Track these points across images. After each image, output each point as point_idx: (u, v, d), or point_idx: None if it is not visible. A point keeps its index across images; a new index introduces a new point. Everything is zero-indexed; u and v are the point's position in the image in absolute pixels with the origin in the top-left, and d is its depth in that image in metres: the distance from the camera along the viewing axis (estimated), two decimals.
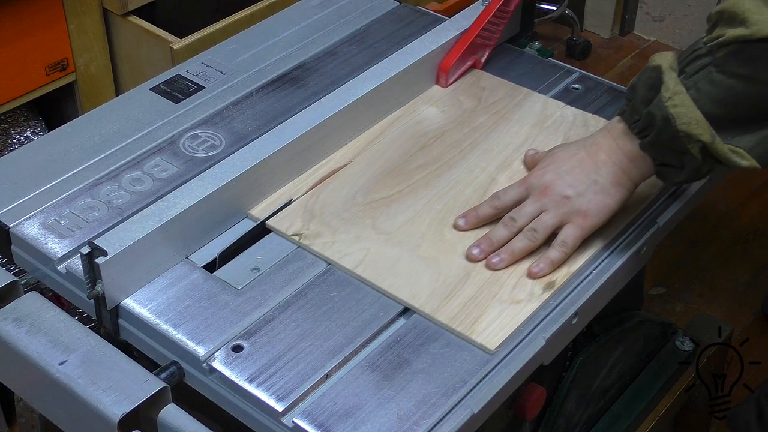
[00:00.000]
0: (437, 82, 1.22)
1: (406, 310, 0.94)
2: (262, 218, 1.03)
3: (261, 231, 1.03)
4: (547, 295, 0.94)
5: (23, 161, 1.09)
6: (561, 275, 0.96)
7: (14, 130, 1.70)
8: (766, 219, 2.12)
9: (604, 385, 1.23)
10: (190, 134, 1.12)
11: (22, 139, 1.70)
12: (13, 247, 1.01)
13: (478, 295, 0.94)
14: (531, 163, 1.07)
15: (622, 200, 0.99)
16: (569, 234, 0.97)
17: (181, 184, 1.02)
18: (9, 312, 0.93)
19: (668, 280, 1.97)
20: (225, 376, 0.87)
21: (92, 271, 0.92)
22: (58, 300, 1.00)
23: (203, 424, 0.85)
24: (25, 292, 0.96)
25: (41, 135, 1.69)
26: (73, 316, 0.93)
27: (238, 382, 0.87)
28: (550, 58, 1.30)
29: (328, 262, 0.98)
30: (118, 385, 0.86)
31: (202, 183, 1.00)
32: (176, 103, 1.17)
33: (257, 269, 0.98)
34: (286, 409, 0.85)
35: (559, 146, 1.04)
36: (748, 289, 1.96)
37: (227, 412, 0.89)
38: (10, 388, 0.98)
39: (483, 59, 1.25)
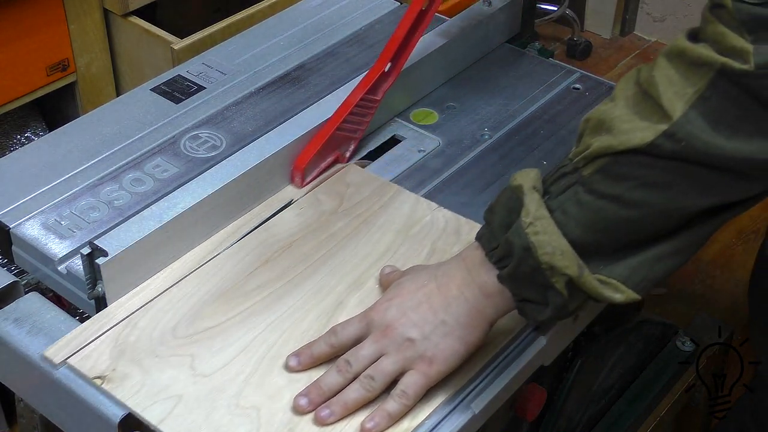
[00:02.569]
0: (292, 182, 1.06)
1: None
2: (61, 358, 0.86)
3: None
4: None
5: (24, 162, 1.09)
6: (402, 430, 0.82)
7: (15, 131, 1.70)
8: (767, 219, 2.12)
9: (605, 385, 1.23)
10: (190, 135, 1.12)
11: (23, 140, 1.70)
12: (13, 248, 1.01)
13: None
14: (385, 284, 0.93)
15: (474, 344, 0.84)
16: (411, 383, 0.83)
17: (181, 185, 1.03)
18: (10, 312, 0.93)
19: (669, 280, 1.96)
20: None
21: (93, 272, 0.92)
22: (58, 300, 1.00)
23: None
24: (26, 293, 0.96)
25: (42, 135, 1.68)
26: (74, 317, 0.93)
27: None
28: (550, 59, 1.30)
29: (132, 414, 0.83)
30: None
31: (202, 183, 1.00)
32: (177, 103, 1.17)
33: None
34: None
35: (410, 272, 0.90)
36: (748, 290, 1.95)
37: None
38: (10, 389, 0.98)
39: (348, 153, 1.10)
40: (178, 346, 0.88)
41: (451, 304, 0.84)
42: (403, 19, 1.07)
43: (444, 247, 0.98)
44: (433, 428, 0.83)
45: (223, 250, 0.98)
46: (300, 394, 0.83)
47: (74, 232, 0.99)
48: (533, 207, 0.78)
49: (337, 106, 1.08)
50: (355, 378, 0.84)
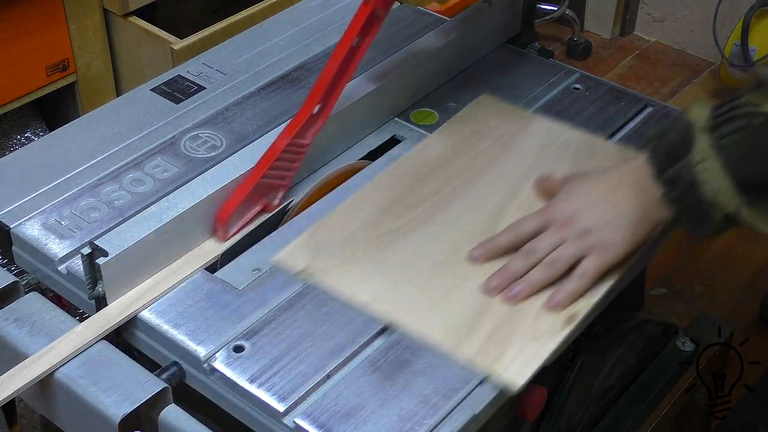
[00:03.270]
0: (214, 234, 1.01)
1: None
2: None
3: (262, 231, 1.03)
4: (568, 328, 0.91)
5: (24, 162, 1.09)
6: (581, 306, 0.94)
7: (15, 131, 1.70)
8: None
9: (605, 385, 1.23)
10: (190, 135, 1.12)
11: (23, 140, 1.70)
12: (14, 248, 1.01)
13: (496, 330, 0.90)
14: (544, 189, 1.04)
15: (643, 239, 0.96)
16: (588, 266, 0.95)
17: (181, 185, 1.03)
18: (10, 312, 0.93)
19: (669, 280, 1.97)
20: (226, 376, 0.87)
21: (93, 272, 0.92)
22: (58, 300, 1.00)
23: (204, 424, 0.86)
24: (26, 293, 0.96)
25: (42, 136, 1.69)
26: (74, 317, 0.93)
27: (239, 383, 0.87)
28: (550, 59, 1.30)
29: (339, 300, 0.94)
30: (118, 386, 0.86)
31: (203, 184, 1.00)
32: (177, 103, 1.17)
33: (258, 269, 0.98)
34: (288, 409, 0.85)
35: (578, 177, 1.02)
36: (748, 290, 1.96)
37: (228, 412, 0.89)
38: None
39: (276, 201, 1.04)
40: (365, 245, 0.99)
41: (623, 204, 0.96)
42: (331, 58, 1.04)
43: (582, 162, 1.09)
44: (433, 428, 0.83)
45: (384, 170, 1.09)
46: (490, 278, 0.95)
47: (74, 232, 0.99)
48: (704, 146, 0.89)
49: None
50: (537, 264, 0.95)
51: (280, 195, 1.04)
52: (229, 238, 1.01)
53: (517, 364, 0.88)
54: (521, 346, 0.89)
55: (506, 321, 0.91)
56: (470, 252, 0.98)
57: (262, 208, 1.03)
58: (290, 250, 0.99)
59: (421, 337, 0.90)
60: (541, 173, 1.06)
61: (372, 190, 1.06)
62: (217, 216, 1.00)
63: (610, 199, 0.96)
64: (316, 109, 1.03)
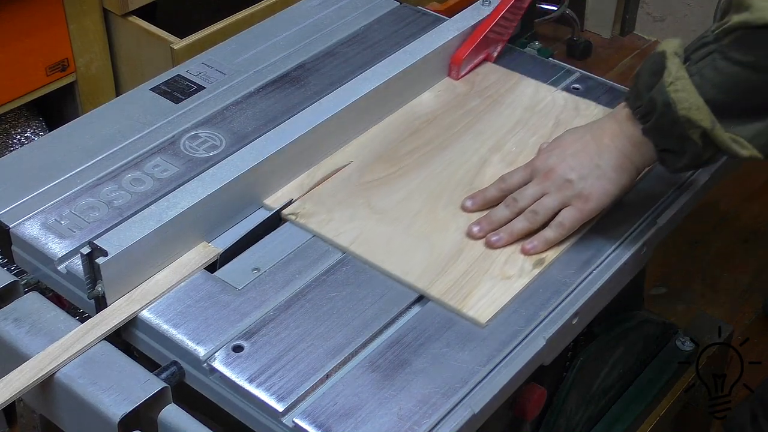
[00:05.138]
0: (449, 74, 1.22)
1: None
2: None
3: (262, 231, 1.03)
4: (536, 271, 0.96)
5: (23, 161, 1.09)
6: (551, 252, 0.98)
7: (15, 131, 1.70)
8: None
9: (605, 385, 1.23)
10: (190, 134, 1.12)
11: (23, 140, 1.70)
12: (13, 247, 1.01)
13: (469, 270, 0.96)
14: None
15: (624, 186, 0.99)
16: (568, 216, 0.98)
17: (181, 185, 1.03)
18: (9, 312, 0.93)
19: (669, 280, 1.97)
20: (225, 376, 0.87)
21: (92, 272, 0.92)
22: (58, 300, 1.00)
23: (203, 424, 0.86)
24: (26, 293, 0.96)
25: (42, 135, 1.69)
26: (74, 316, 0.93)
27: (238, 382, 0.87)
28: (550, 58, 1.30)
29: (324, 240, 1.00)
30: (118, 386, 0.86)
31: (202, 183, 1.00)
32: (176, 103, 1.17)
33: (258, 269, 0.98)
34: (287, 409, 0.85)
35: (566, 131, 1.05)
36: (748, 289, 1.96)
37: (227, 412, 0.89)
38: None
39: (495, 54, 1.25)
40: (353, 191, 1.06)
41: (604, 152, 0.98)
42: None
43: (566, 119, 1.15)
44: (432, 428, 0.83)
45: (376, 124, 1.14)
46: (473, 224, 1.00)
47: (74, 231, 1.00)
48: (674, 69, 0.91)
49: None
50: (520, 213, 1.00)
51: (499, 48, 1.25)
52: (460, 78, 1.21)
53: (485, 302, 0.93)
54: (491, 285, 0.95)
55: (478, 263, 0.97)
56: (462, 202, 1.03)
57: (485, 57, 1.24)
58: (282, 193, 1.05)
59: (399, 276, 0.95)
60: (523, 130, 1.13)
61: (366, 141, 1.12)
62: (452, 59, 1.21)
63: (591, 149, 0.99)
64: None
